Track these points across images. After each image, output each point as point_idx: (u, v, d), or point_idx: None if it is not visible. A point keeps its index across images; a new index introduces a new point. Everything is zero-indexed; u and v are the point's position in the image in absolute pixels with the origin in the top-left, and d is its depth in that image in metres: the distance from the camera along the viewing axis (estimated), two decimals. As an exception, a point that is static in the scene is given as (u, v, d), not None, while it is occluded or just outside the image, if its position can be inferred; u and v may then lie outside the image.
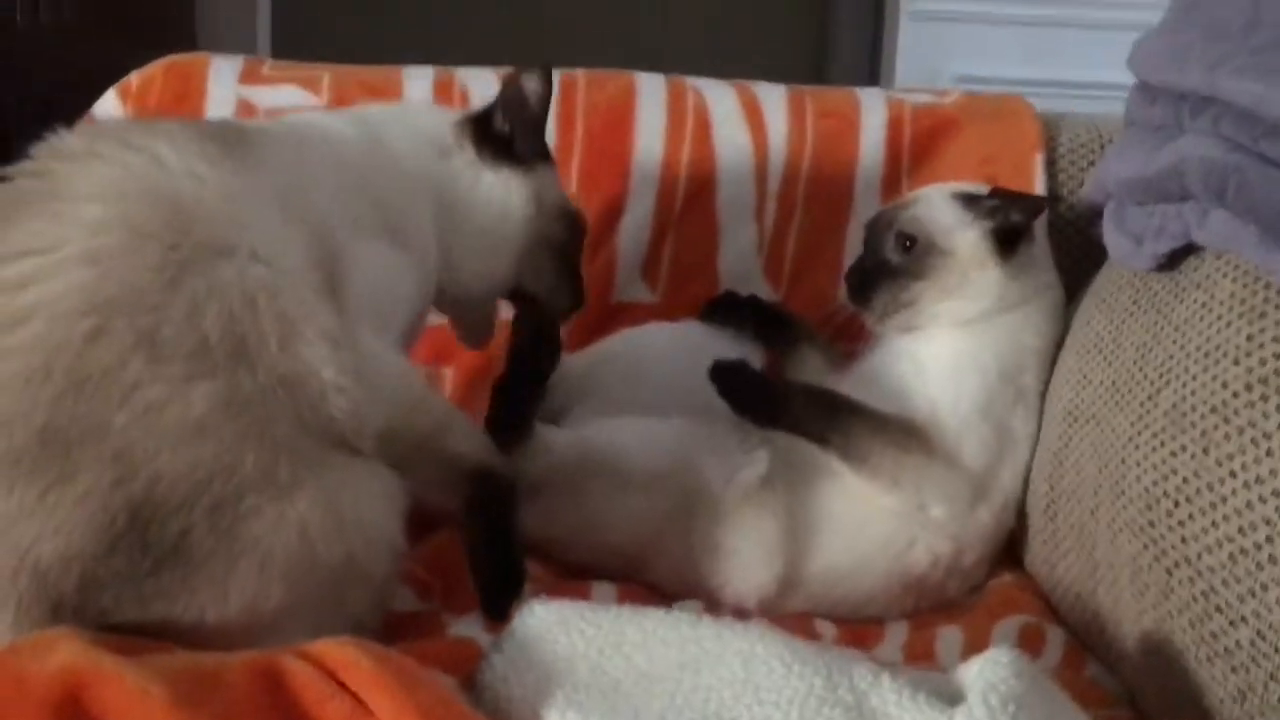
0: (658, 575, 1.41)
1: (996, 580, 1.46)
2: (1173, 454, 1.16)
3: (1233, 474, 1.07)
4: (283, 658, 0.96)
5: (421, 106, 1.68)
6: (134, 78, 1.77)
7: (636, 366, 1.53)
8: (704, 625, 1.02)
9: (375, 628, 1.13)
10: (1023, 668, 0.95)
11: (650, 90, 1.80)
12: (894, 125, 1.78)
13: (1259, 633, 1.01)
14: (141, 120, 1.66)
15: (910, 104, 1.81)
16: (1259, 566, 1.02)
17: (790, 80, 1.89)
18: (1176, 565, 1.13)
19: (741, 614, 1.37)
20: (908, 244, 1.48)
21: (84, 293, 0.99)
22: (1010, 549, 1.50)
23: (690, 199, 1.75)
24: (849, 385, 1.47)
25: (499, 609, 1.24)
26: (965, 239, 1.47)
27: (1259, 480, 1.04)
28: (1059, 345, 1.50)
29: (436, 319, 1.53)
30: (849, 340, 1.59)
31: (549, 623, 1.03)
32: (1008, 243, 1.47)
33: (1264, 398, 1.07)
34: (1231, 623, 1.04)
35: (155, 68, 1.78)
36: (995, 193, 1.51)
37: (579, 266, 1.53)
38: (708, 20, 4.37)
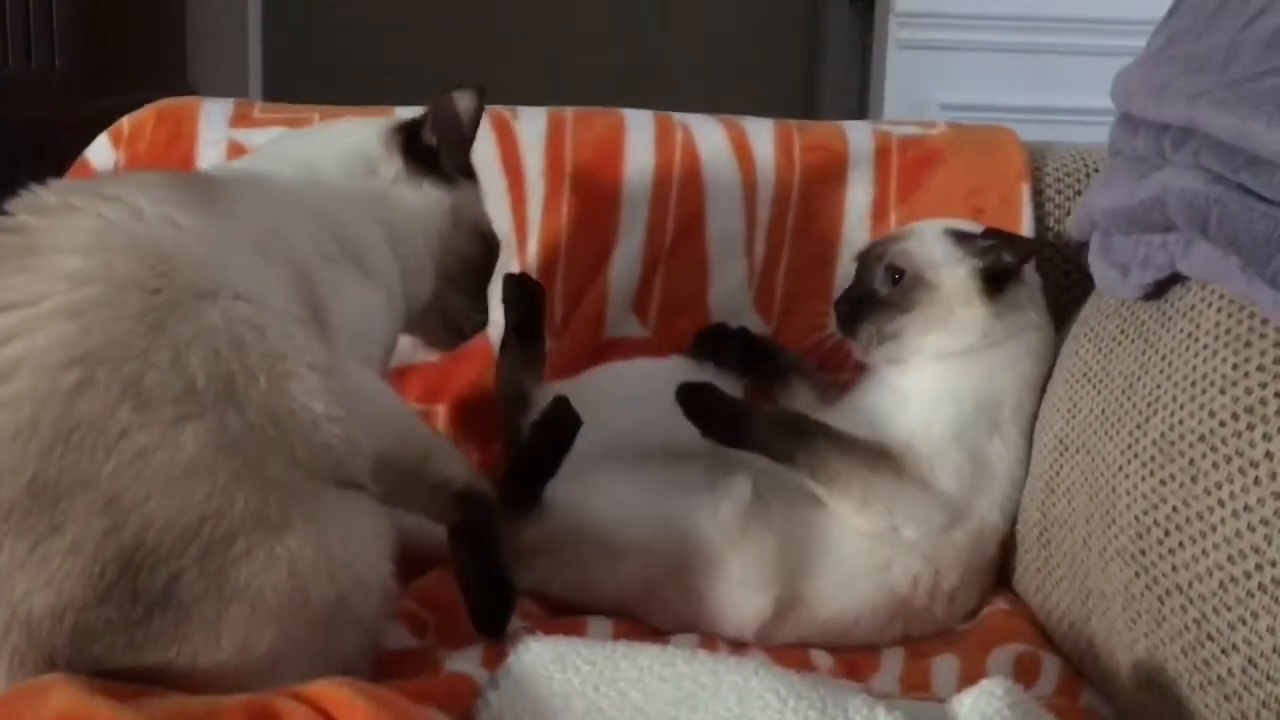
0: (657, 619, 1.41)
1: (991, 608, 1.47)
2: (1162, 483, 1.17)
3: (1221, 502, 1.08)
4: (277, 699, 0.96)
5: (339, 123, 1.65)
6: (125, 122, 1.77)
7: (616, 400, 1.54)
8: (699, 660, 1.03)
9: (365, 671, 1.12)
10: (1017, 699, 0.96)
11: (638, 126, 1.80)
12: (881, 157, 1.78)
13: (1250, 660, 1.01)
14: (112, 174, 1.67)
15: (897, 136, 1.81)
16: (1249, 594, 1.02)
17: (781, 109, 1.89)
18: (1168, 593, 1.13)
19: (739, 646, 1.37)
20: (896, 276, 1.50)
21: (68, 345, 1.00)
22: (1004, 577, 1.51)
23: (680, 234, 1.76)
24: (837, 417, 1.48)
25: (492, 626, 1.25)
26: (953, 275, 1.48)
27: (1247, 509, 1.05)
28: (1045, 381, 1.51)
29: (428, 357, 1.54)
30: (836, 368, 1.61)
31: (545, 659, 1.03)
32: (996, 281, 1.48)
33: (1250, 426, 1.07)
34: (1223, 650, 1.04)
35: (147, 112, 1.78)
36: (989, 233, 1.52)
37: (487, 288, 1.55)
38: (698, 53, 4.40)
